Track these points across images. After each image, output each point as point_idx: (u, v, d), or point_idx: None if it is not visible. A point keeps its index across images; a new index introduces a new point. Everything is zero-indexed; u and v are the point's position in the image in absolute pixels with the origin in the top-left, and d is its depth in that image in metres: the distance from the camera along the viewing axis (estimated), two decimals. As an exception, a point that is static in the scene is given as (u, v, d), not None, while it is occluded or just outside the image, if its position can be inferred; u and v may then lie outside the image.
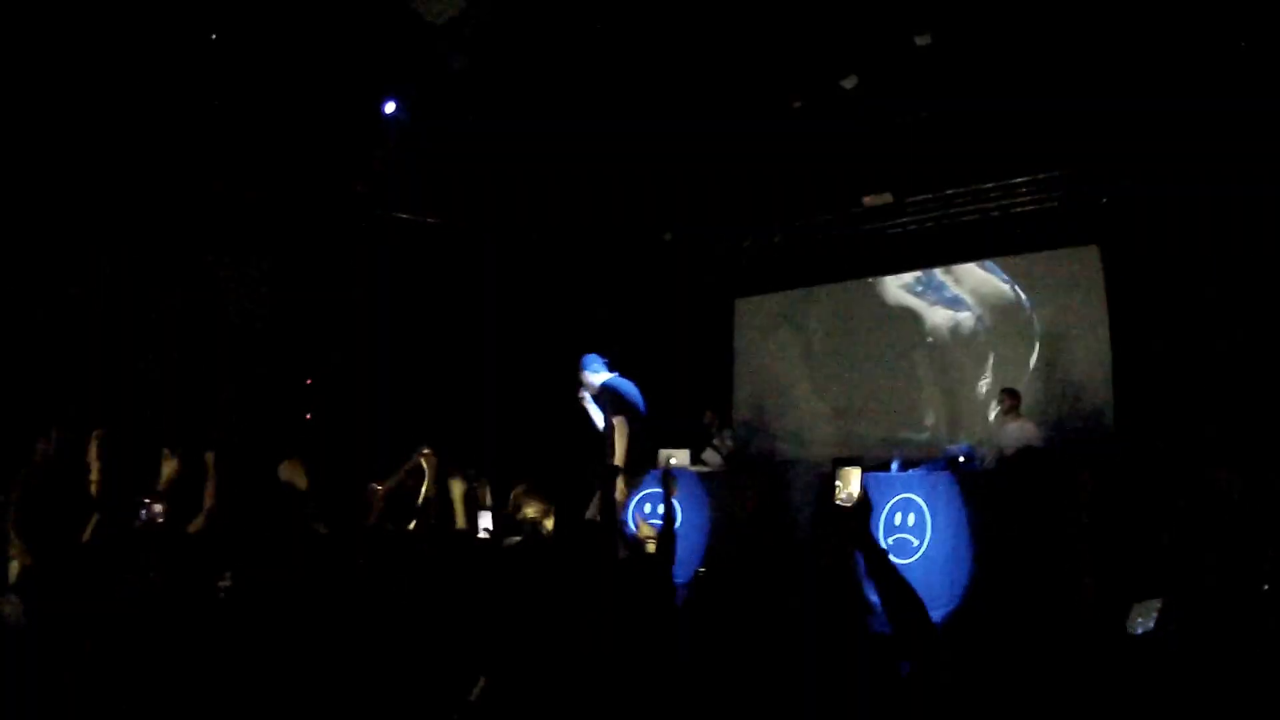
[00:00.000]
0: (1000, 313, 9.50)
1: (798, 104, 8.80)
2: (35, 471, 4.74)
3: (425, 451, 5.79)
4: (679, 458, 8.06)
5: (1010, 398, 8.31)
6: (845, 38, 7.96)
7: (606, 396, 6.77)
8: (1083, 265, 8.98)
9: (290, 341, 9.00)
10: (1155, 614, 3.64)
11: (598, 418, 6.82)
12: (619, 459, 6.39)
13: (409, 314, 9.33)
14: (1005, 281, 9.50)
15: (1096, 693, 3.01)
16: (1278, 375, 7.27)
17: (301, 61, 7.61)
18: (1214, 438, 7.16)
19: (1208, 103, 7.40)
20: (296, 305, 8.87)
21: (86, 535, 4.15)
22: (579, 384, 6.91)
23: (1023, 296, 9.38)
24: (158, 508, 4.21)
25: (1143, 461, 7.31)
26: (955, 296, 9.80)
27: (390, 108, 8.40)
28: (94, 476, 4.61)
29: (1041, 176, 9.00)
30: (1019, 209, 9.24)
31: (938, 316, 9.88)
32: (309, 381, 9.48)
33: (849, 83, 8.46)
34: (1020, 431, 8.01)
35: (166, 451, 4.79)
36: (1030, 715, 2.80)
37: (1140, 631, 3.62)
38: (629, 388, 6.82)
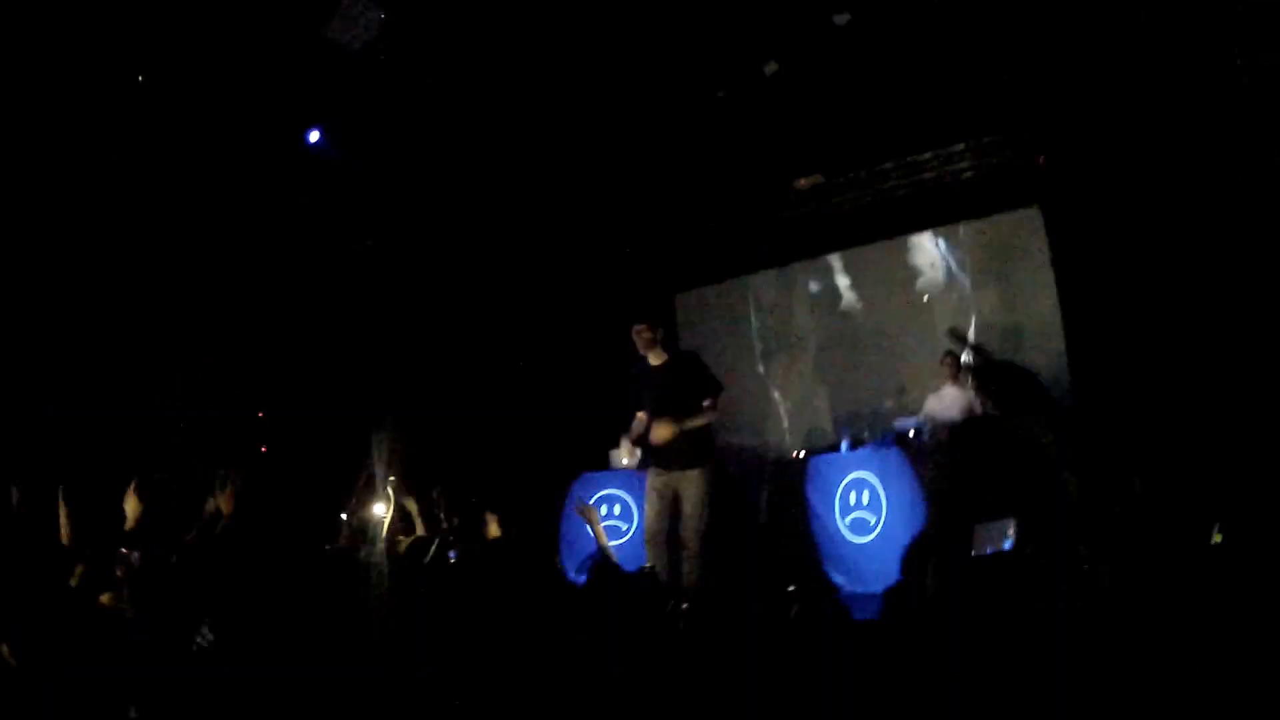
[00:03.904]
0: (942, 285, 9.56)
1: (721, 94, 8.84)
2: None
3: (391, 479, 5.79)
4: (631, 459, 7.99)
5: (952, 361, 8.36)
6: (763, 24, 8.00)
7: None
8: (1025, 229, 9.03)
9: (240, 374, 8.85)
10: (1009, 534, 3.71)
11: None
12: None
13: (345, 332, 9.22)
14: (942, 253, 9.55)
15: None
16: (1235, 334, 7.16)
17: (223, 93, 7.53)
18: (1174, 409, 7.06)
19: (1147, 56, 7.44)
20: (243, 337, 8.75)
21: (75, 580, 4.11)
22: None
23: (958, 267, 9.44)
24: (135, 555, 4.18)
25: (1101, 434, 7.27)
26: (892, 272, 9.84)
27: (314, 137, 8.32)
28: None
29: (982, 140, 9.00)
30: (955, 176, 9.25)
31: (876, 294, 9.92)
32: (260, 415, 9.36)
33: (770, 68, 8.51)
34: (961, 398, 8.03)
35: (131, 489, 4.71)
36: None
37: (990, 551, 3.69)
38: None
